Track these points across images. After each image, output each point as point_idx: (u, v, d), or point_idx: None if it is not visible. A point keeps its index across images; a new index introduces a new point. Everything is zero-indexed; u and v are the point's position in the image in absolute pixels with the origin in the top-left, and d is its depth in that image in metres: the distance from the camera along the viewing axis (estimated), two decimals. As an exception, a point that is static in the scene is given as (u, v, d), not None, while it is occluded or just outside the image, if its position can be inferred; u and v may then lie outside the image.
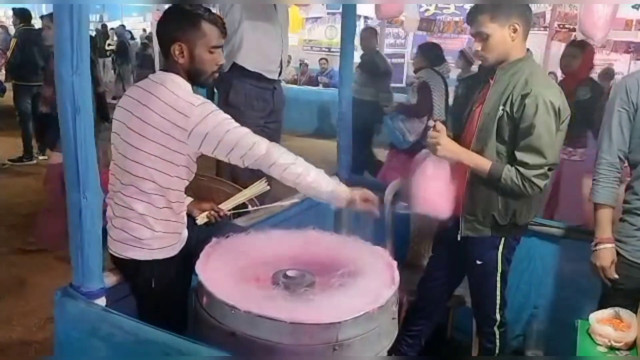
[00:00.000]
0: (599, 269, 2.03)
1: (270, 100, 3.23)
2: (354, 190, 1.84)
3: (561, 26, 7.54)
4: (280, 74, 3.24)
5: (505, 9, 1.94)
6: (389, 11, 6.09)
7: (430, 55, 4.60)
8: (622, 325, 1.83)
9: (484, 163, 1.99)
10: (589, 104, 3.76)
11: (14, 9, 6.50)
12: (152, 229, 1.77)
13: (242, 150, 1.70)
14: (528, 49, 2.05)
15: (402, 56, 10.84)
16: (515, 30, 1.96)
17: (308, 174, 1.75)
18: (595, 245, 2.04)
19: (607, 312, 1.90)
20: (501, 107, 1.96)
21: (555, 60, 8.67)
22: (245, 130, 1.74)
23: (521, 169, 1.94)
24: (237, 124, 1.73)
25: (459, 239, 2.10)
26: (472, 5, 2.01)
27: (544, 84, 1.96)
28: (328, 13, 10.33)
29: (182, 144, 1.70)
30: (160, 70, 1.84)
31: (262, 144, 1.73)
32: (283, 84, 3.73)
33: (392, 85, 9.91)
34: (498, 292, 2.14)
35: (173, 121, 1.67)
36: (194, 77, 1.80)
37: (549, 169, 1.96)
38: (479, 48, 2.00)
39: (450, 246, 2.20)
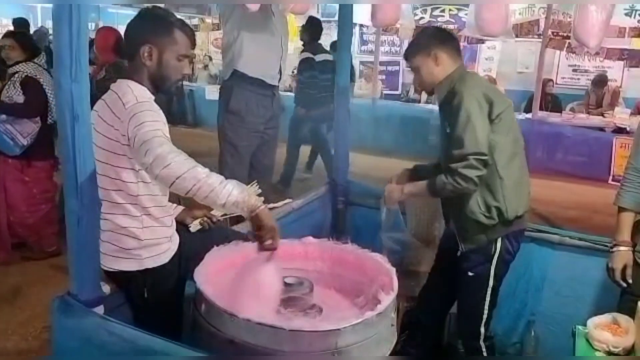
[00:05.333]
0: (610, 270, 2.04)
1: (269, 106, 3.26)
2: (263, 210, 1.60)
3: (555, 34, 7.57)
4: (279, 80, 3.27)
5: (424, 42, 2.18)
6: (386, 19, 6.10)
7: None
8: (619, 331, 1.83)
9: (421, 185, 2.15)
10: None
11: (13, 20, 6.55)
12: (137, 238, 1.76)
13: (147, 146, 1.50)
14: (457, 66, 2.17)
15: (397, 64, 10.86)
16: (436, 59, 2.13)
17: (210, 180, 1.50)
18: (612, 247, 2.07)
19: (604, 318, 1.90)
20: (447, 124, 2.08)
21: (549, 68, 8.82)
22: (158, 129, 1.58)
23: (450, 164, 2.01)
24: (157, 127, 1.58)
25: (458, 254, 2.14)
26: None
27: (470, 83, 2.08)
28: (323, 21, 10.32)
29: (126, 148, 1.66)
30: (121, 78, 1.82)
31: (165, 143, 1.52)
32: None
33: (388, 92, 10.06)
34: (486, 306, 2.16)
35: (113, 125, 1.67)
36: (158, 83, 1.80)
37: (478, 160, 1.97)
38: (414, 80, 2.29)
39: (450, 259, 2.23)
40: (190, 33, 1.82)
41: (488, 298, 2.14)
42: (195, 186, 1.47)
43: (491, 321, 2.19)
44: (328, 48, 6.18)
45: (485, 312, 2.16)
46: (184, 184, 1.47)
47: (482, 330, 2.18)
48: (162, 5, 1.99)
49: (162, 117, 1.72)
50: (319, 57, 5.47)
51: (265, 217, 1.61)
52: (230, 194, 1.51)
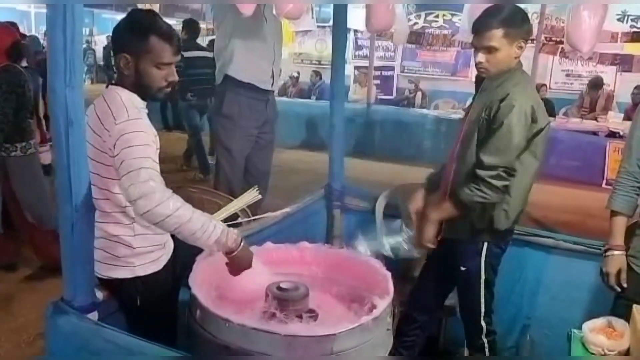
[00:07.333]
0: (605, 274, 2.04)
1: (263, 110, 3.26)
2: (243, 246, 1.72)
3: (548, 39, 7.63)
4: (272, 84, 3.27)
5: (517, 27, 1.99)
6: (380, 24, 6.12)
7: None
8: (615, 334, 1.83)
9: (447, 207, 2.07)
10: None
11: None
12: (130, 246, 1.75)
13: (132, 180, 1.55)
14: (519, 61, 2.09)
15: (392, 69, 10.90)
16: (520, 48, 2.02)
17: (193, 222, 1.60)
18: (606, 251, 2.06)
19: (600, 322, 1.90)
20: (483, 115, 2.01)
21: (542, 73, 8.86)
22: (147, 156, 1.60)
23: (477, 170, 1.97)
24: (146, 154, 1.59)
25: (438, 238, 2.13)
26: (485, 18, 2.03)
27: (522, 91, 2.01)
28: (318, 27, 10.35)
29: (113, 161, 1.64)
30: (111, 83, 1.79)
31: (156, 182, 1.57)
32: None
33: (382, 97, 10.09)
34: (482, 299, 2.15)
35: (102, 136, 1.65)
36: (141, 91, 1.74)
37: (506, 172, 1.96)
38: (483, 60, 2.03)
39: (441, 255, 2.22)
40: (173, 39, 1.73)
41: (483, 291, 2.14)
42: (177, 229, 1.60)
43: (492, 315, 2.19)
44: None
45: (483, 305, 2.15)
46: (166, 226, 1.59)
47: (483, 324, 2.17)
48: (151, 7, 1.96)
49: (152, 133, 1.69)
50: (188, 54, 5.62)
51: (243, 260, 1.74)
52: (210, 237, 1.63)
